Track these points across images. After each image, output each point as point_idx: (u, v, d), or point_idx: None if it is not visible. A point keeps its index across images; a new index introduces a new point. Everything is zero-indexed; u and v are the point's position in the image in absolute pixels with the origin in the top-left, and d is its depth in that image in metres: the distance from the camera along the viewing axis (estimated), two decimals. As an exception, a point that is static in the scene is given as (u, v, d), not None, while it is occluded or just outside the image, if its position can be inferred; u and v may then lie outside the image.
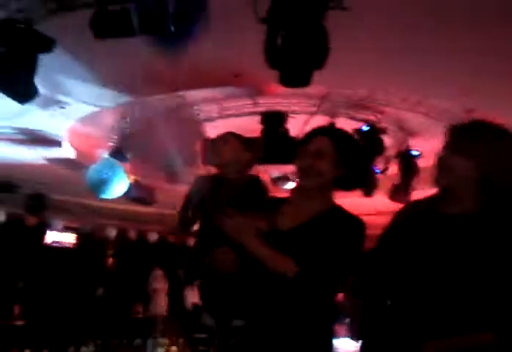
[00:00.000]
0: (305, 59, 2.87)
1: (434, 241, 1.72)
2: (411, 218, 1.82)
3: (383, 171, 5.81)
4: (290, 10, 2.77)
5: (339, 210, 1.88)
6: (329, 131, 1.97)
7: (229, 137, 1.99)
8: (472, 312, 1.63)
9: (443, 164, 1.73)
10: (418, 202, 1.90)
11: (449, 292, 1.65)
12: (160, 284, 9.36)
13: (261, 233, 1.85)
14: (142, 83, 3.96)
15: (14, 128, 5.37)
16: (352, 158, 1.90)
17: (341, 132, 1.99)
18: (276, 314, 1.78)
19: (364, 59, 3.68)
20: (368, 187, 5.45)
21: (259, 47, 2.82)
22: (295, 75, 2.98)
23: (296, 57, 2.87)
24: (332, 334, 1.86)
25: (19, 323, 8.36)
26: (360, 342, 1.97)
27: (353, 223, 1.85)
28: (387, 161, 5.73)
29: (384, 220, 1.95)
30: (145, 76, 3.81)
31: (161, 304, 9.27)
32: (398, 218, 1.90)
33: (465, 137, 1.70)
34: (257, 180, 1.96)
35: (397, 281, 1.78)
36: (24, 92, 3.10)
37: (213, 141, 1.98)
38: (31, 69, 3.10)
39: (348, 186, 1.95)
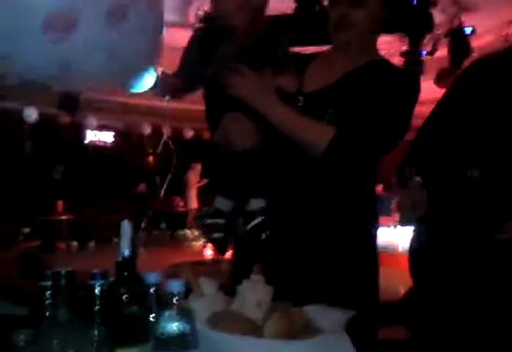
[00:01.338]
0: None
1: None
2: (487, 74, 1.49)
3: (431, 53, 5.26)
4: None
5: (385, 62, 1.52)
6: None
7: None
8: None
9: None
10: (490, 56, 1.55)
11: None
12: (195, 179, 9.48)
13: (284, 95, 1.47)
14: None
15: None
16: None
17: None
18: (304, 196, 1.46)
19: None
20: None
21: None
22: None
23: None
24: (374, 223, 1.53)
25: (64, 217, 8.67)
26: (412, 228, 1.74)
27: (404, 75, 1.50)
28: (436, 41, 5.18)
29: (428, 109, 1.65)
30: None
31: (194, 198, 9.53)
32: (466, 74, 1.57)
33: None
34: (275, 29, 1.53)
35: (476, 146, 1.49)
36: None
37: None
38: None
39: (394, 27, 1.58)
